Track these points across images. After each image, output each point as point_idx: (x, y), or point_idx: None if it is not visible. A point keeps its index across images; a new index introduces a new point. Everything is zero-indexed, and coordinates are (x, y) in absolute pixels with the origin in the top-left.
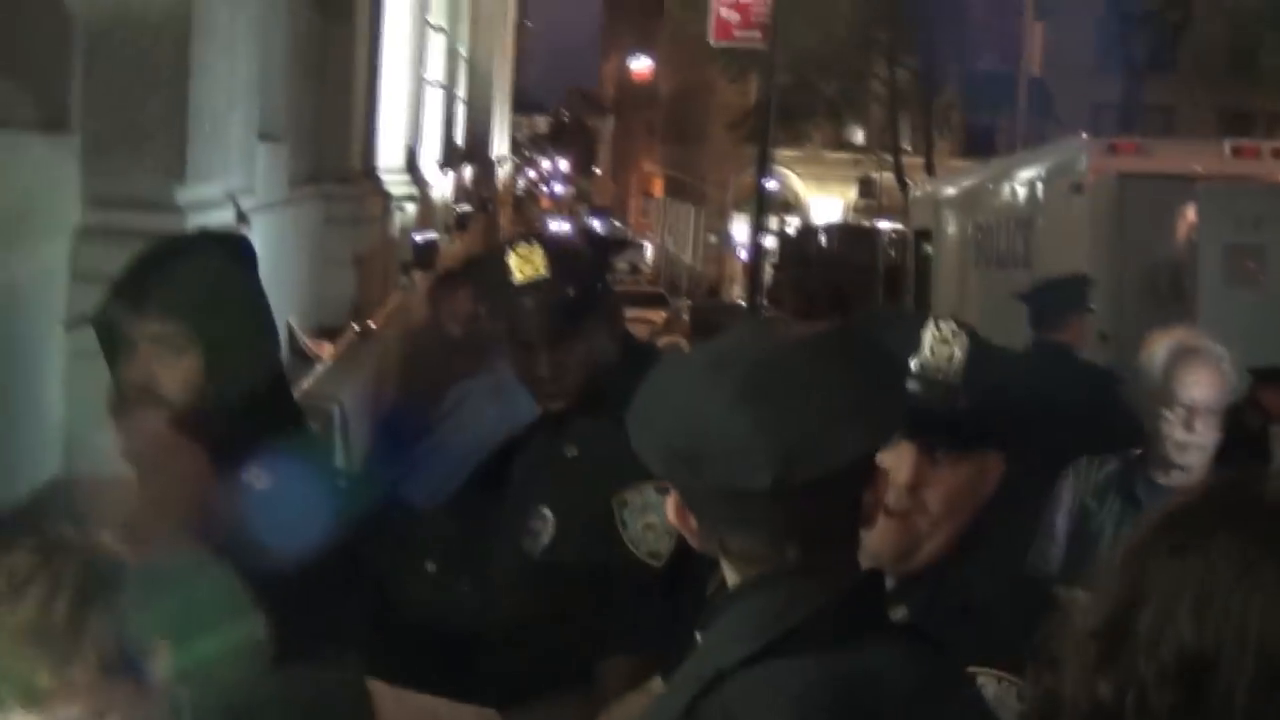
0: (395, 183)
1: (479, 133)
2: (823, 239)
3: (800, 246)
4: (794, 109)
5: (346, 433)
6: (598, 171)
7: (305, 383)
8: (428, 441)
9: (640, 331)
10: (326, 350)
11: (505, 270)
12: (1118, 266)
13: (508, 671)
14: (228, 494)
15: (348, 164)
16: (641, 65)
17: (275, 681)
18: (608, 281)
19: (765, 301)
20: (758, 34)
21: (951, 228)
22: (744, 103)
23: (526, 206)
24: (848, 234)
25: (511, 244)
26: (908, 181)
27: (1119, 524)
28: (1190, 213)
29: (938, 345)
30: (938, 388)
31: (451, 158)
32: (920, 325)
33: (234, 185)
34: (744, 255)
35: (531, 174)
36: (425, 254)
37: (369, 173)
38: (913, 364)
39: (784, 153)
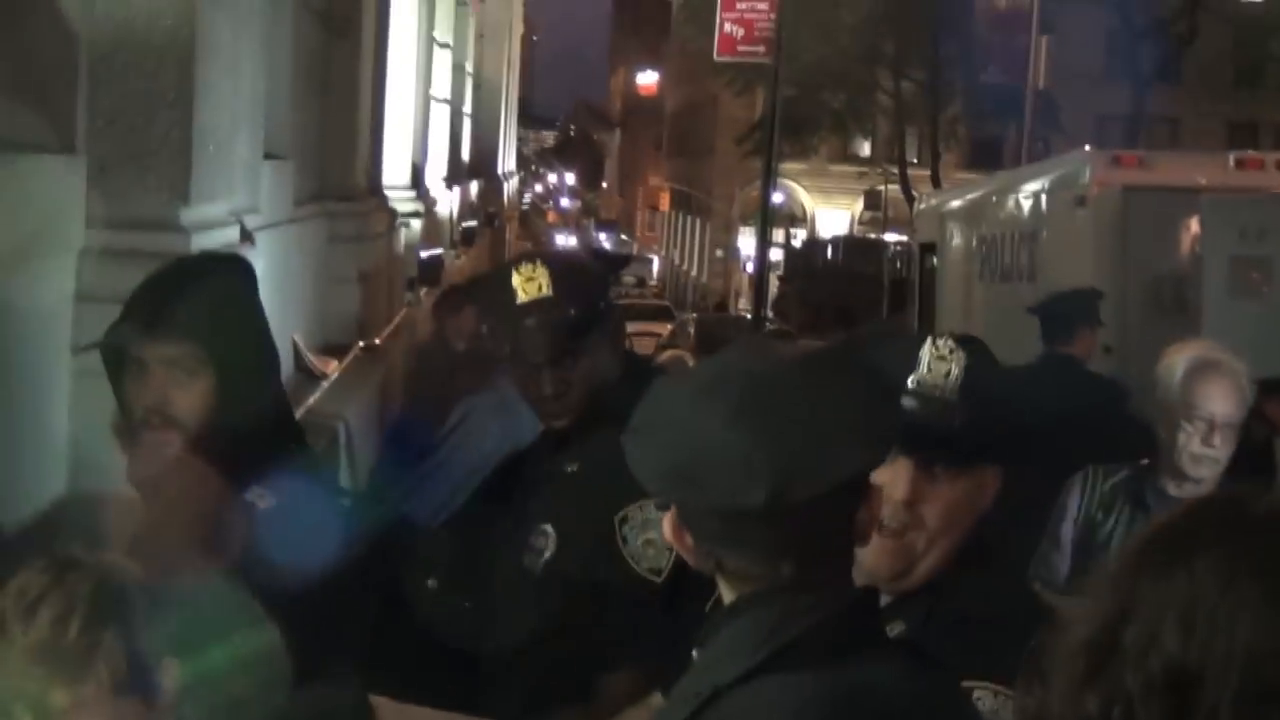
0: (401, 199)
1: (485, 148)
2: (829, 252)
3: (806, 259)
4: (800, 122)
5: (351, 450)
6: (604, 185)
7: (310, 400)
8: (432, 458)
9: (646, 345)
10: (331, 367)
11: (509, 289)
12: (1121, 279)
13: (509, 687)
14: (232, 514)
15: (353, 181)
16: (648, 79)
17: (279, 699)
18: (610, 300)
19: (771, 314)
20: (762, 49)
21: (956, 241)
22: (750, 116)
23: (533, 221)
24: (854, 247)
25: (515, 263)
26: (914, 194)
27: (1129, 533)
28: (1194, 225)
29: (935, 362)
30: (935, 404)
31: (457, 173)
32: (918, 342)
33: (239, 204)
34: (750, 269)
35: (538, 188)
36: (430, 270)
37: (374, 190)
38: (910, 381)
39: (790, 166)
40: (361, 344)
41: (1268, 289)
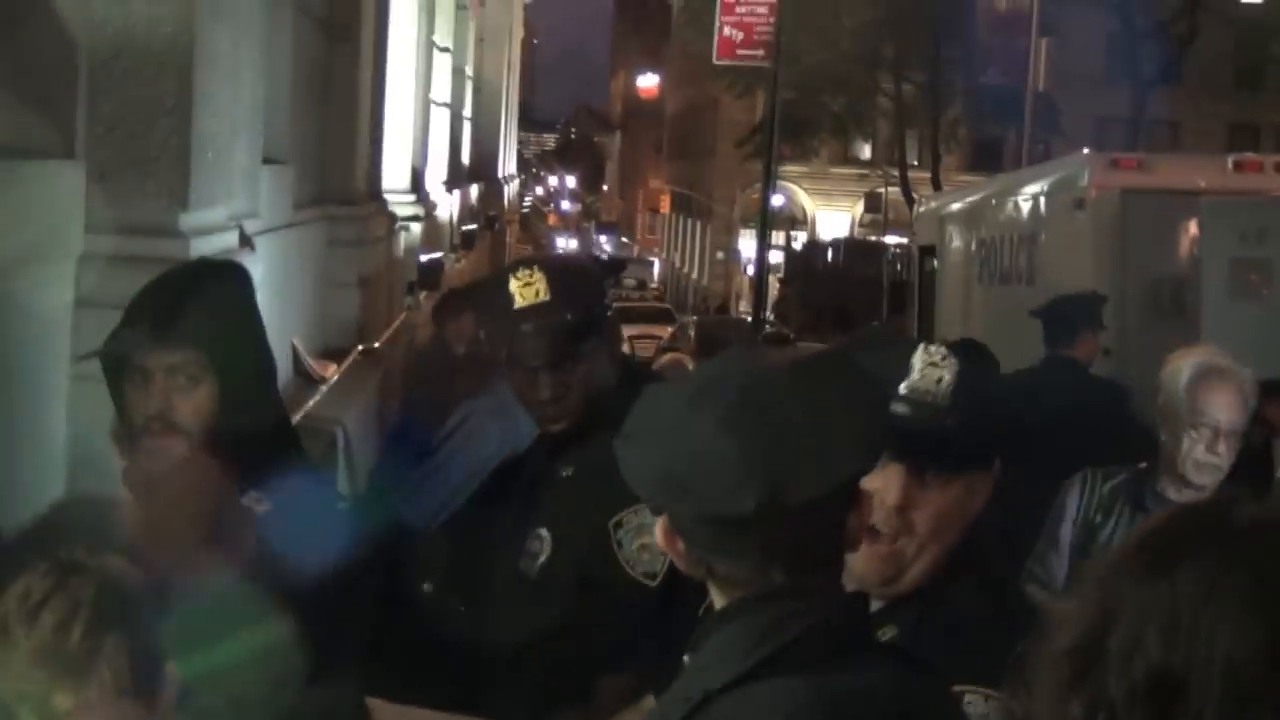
0: (400, 203)
1: (486, 151)
2: (829, 254)
3: (806, 262)
4: (800, 124)
5: (350, 454)
6: (605, 188)
7: (309, 404)
8: (430, 461)
9: (647, 347)
10: (331, 371)
11: (506, 294)
12: (1120, 281)
13: (505, 690)
14: (232, 518)
15: (352, 186)
16: (649, 82)
17: (276, 700)
18: (607, 305)
19: (772, 317)
20: (761, 52)
21: (955, 243)
22: (750, 119)
23: (534, 224)
24: (854, 249)
25: (513, 268)
26: (914, 196)
27: None
28: (1193, 227)
29: (927, 368)
30: (926, 410)
31: (457, 177)
32: (910, 349)
33: (238, 210)
34: (751, 271)
35: (539, 191)
36: (430, 274)
37: (374, 194)
38: (902, 386)
39: (791, 168)
40: (361, 348)
41: (1267, 291)
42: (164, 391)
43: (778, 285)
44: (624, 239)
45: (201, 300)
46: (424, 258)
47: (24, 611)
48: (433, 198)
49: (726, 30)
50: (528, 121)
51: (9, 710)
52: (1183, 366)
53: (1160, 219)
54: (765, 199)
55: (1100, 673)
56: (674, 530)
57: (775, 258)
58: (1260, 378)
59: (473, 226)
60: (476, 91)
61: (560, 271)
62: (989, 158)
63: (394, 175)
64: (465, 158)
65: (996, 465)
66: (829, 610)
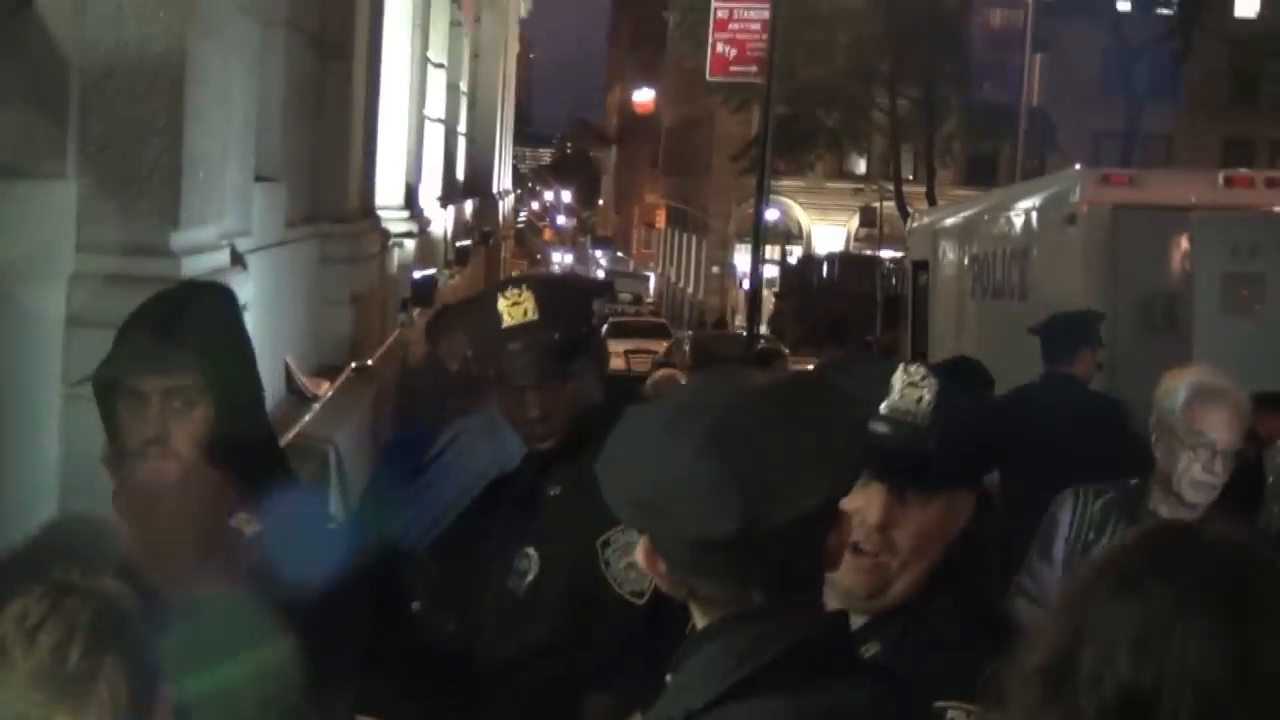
0: (394, 220)
1: (480, 166)
2: (825, 269)
3: (802, 276)
4: (796, 139)
5: (342, 473)
6: (601, 203)
7: (302, 423)
8: (420, 479)
9: (642, 362)
10: (324, 389)
11: (495, 313)
12: (1112, 297)
13: (494, 708)
14: (222, 539)
15: (345, 203)
16: (644, 97)
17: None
18: (595, 325)
19: (768, 331)
20: (754, 69)
21: (948, 258)
22: (746, 133)
23: (529, 239)
24: (849, 264)
25: (501, 287)
26: (909, 210)
27: None
28: (1185, 243)
29: (907, 389)
30: (907, 429)
31: (452, 192)
32: (889, 369)
33: (230, 228)
34: (747, 286)
35: (535, 206)
36: (424, 290)
37: (367, 211)
38: (882, 406)
39: (786, 183)
40: (354, 365)
41: (1259, 306)
42: (160, 415)
43: (774, 300)
44: (620, 253)
45: (195, 323)
46: (418, 274)
47: (21, 633)
48: (427, 214)
49: (720, 47)
50: (523, 136)
51: None
52: (1178, 386)
53: (1152, 234)
54: (759, 214)
55: (1071, 691)
56: (655, 551)
57: (771, 272)
58: (1252, 390)
59: (467, 242)
60: (471, 107)
61: (548, 291)
62: (984, 172)
63: (387, 192)
64: (460, 173)
65: (995, 479)
66: (809, 630)
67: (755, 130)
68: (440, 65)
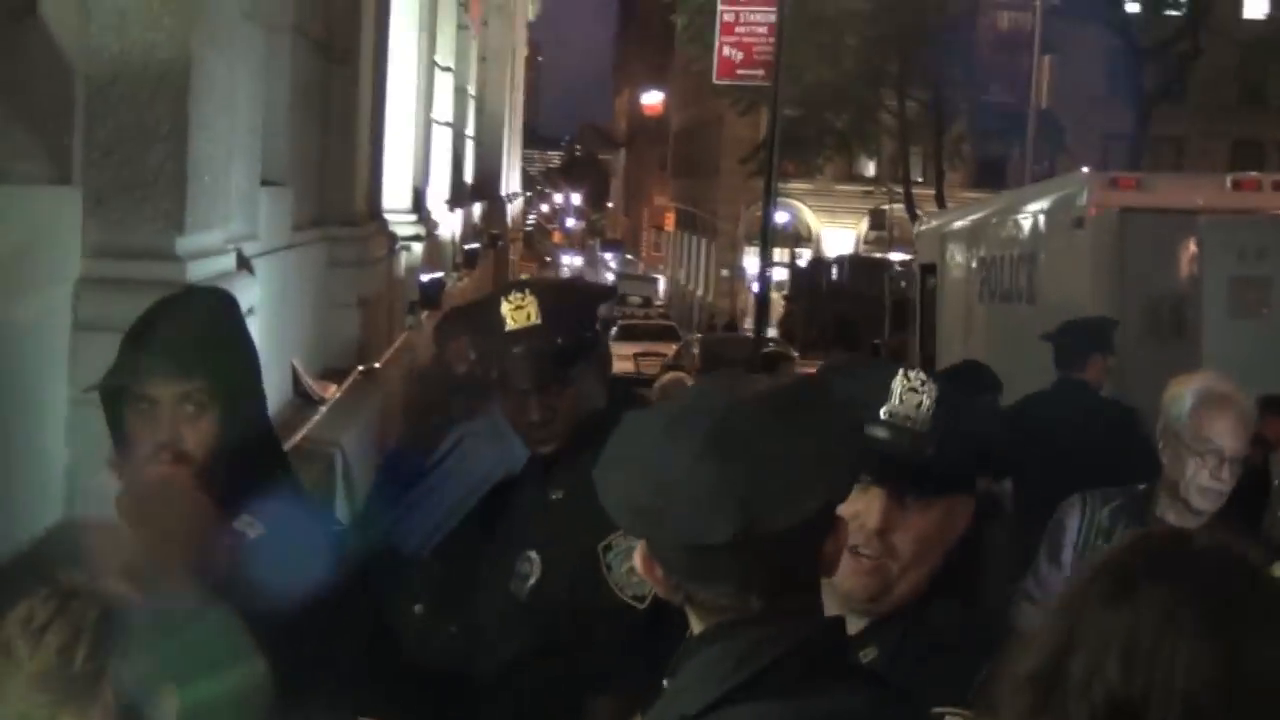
0: (401, 223)
1: (488, 169)
2: (834, 272)
3: (811, 279)
4: (804, 142)
5: (349, 477)
6: (610, 205)
7: (308, 426)
8: (424, 483)
9: (651, 364)
10: (331, 392)
11: (498, 316)
12: (1119, 300)
13: (496, 712)
14: (224, 543)
15: (352, 206)
16: (653, 99)
17: None
18: (598, 330)
19: (778, 334)
20: (761, 72)
21: (956, 262)
22: (755, 136)
23: (538, 241)
24: (859, 266)
25: (505, 292)
26: (918, 213)
27: None
28: (1192, 246)
29: (907, 394)
30: (906, 434)
31: (460, 195)
32: (889, 374)
33: (236, 232)
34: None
35: (544, 208)
36: (431, 293)
37: (374, 214)
38: (882, 411)
39: (795, 185)
40: (361, 368)
41: (1267, 310)
42: (172, 420)
43: (783, 303)
44: (629, 256)
45: (204, 328)
46: (425, 277)
47: (27, 636)
48: (434, 217)
49: (726, 50)
50: (532, 139)
51: None
52: (1185, 393)
53: (1159, 238)
54: (766, 217)
55: (1061, 698)
56: (652, 556)
57: (781, 275)
58: (1258, 393)
59: (475, 245)
60: (479, 110)
61: (551, 295)
62: (993, 174)
63: (395, 195)
64: (468, 176)
65: (1008, 487)
66: (806, 635)
67: (764, 133)
68: (448, 69)
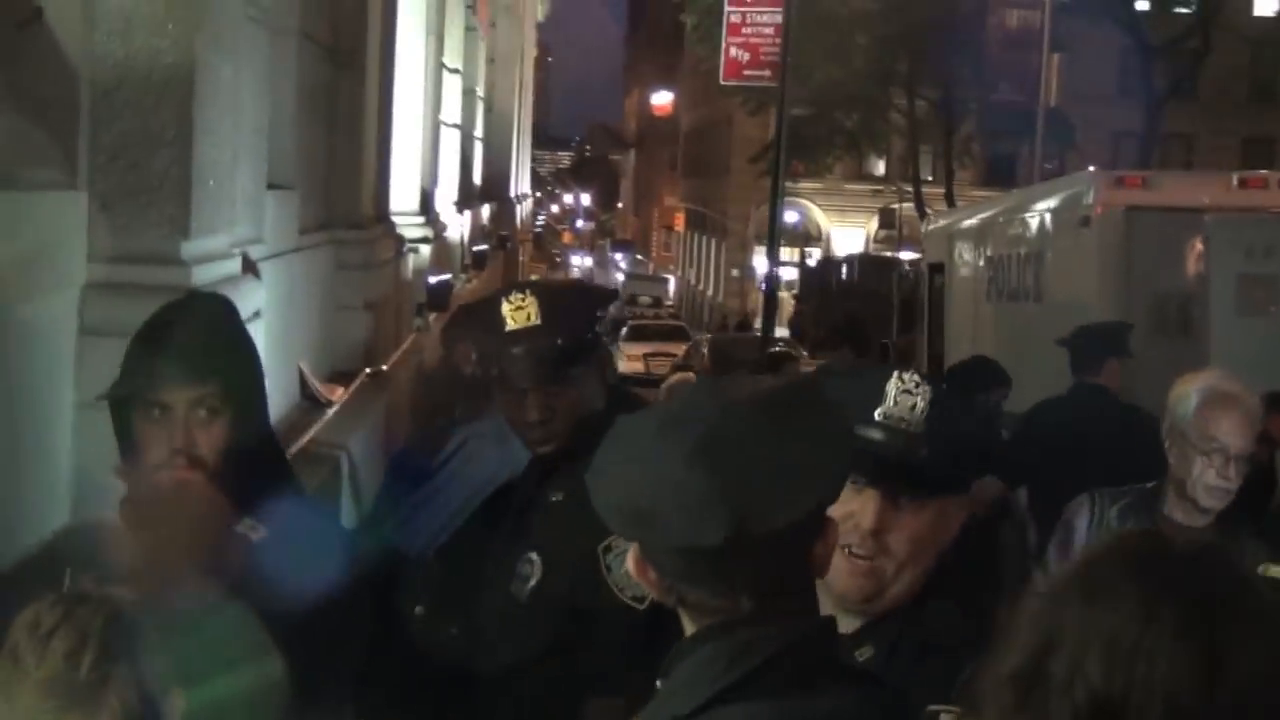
0: (409, 225)
1: (497, 171)
2: (844, 271)
3: (821, 278)
4: (814, 141)
5: (355, 479)
6: (620, 206)
7: (315, 429)
8: (428, 485)
9: (661, 365)
10: (338, 394)
11: (498, 316)
12: (1126, 299)
13: (496, 713)
14: (228, 546)
15: (359, 209)
16: (662, 99)
17: None
18: (598, 331)
19: (788, 333)
20: (768, 73)
21: (964, 261)
22: (764, 136)
23: (548, 242)
24: (868, 265)
25: (505, 292)
26: (928, 212)
27: None
28: (1199, 244)
29: (901, 395)
30: (900, 436)
31: (469, 197)
32: (883, 376)
33: (242, 236)
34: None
35: (554, 209)
36: (439, 295)
37: (382, 217)
38: (877, 413)
39: (805, 185)
40: (368, 370)
41: (1274, 307)
42: (186, 425)
43: (793, 302)
44: (639, 256)
45: (212, 333)
46: (433, 279)
47: (34, 641)
48: (443, 219)
49: (733, 51)
50: (542, 140)
51: None
52: (1190, 391)
53: (1165, 236)
54: (774, 217)
55: (1043, 696)
56: (645, 559)
57: (791, 274)
58: (1264, 390)
59: (484, 246)
60: (488, 111)
61: (551, 296)
62: (1003, 173)
63: (402, 197)
64: (477, 178)
65: (1023, 492)
66: (797, 635)
67: (773, 133)
68: (455, 70)
